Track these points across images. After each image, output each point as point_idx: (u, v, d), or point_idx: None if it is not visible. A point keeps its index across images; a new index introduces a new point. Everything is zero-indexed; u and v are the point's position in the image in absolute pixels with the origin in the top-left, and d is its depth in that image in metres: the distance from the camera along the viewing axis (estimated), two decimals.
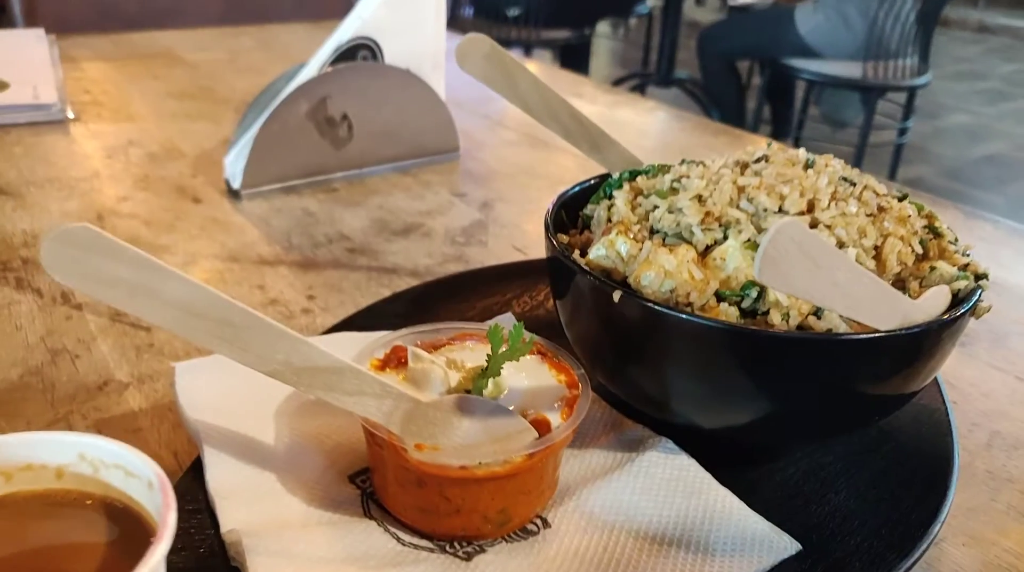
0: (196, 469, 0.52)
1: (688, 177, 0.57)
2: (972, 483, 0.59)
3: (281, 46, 1.87)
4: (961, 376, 0.72)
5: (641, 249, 0.53)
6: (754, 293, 0.50)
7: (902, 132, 3.49)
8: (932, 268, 0.53)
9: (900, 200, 0.57)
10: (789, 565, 0.48)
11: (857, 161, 3.30)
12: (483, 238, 0.95)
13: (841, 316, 0.49)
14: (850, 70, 3.24)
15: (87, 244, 0.39)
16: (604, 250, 0.54)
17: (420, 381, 0.50)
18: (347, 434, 0.55)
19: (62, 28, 1.74)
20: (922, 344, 0.49)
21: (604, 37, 6.90)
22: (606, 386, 0.58)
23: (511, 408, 0.49)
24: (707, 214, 0.53)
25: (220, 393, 0.56)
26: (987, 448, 0.62)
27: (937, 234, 0.57)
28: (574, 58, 4.02)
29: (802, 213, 0.52)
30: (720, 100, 3.79)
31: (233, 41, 1.88)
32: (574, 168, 1.17)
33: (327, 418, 0.56)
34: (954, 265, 0.54)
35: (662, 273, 0.51)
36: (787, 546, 0.49)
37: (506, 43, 2.34)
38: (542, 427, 0.48)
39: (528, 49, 3.75)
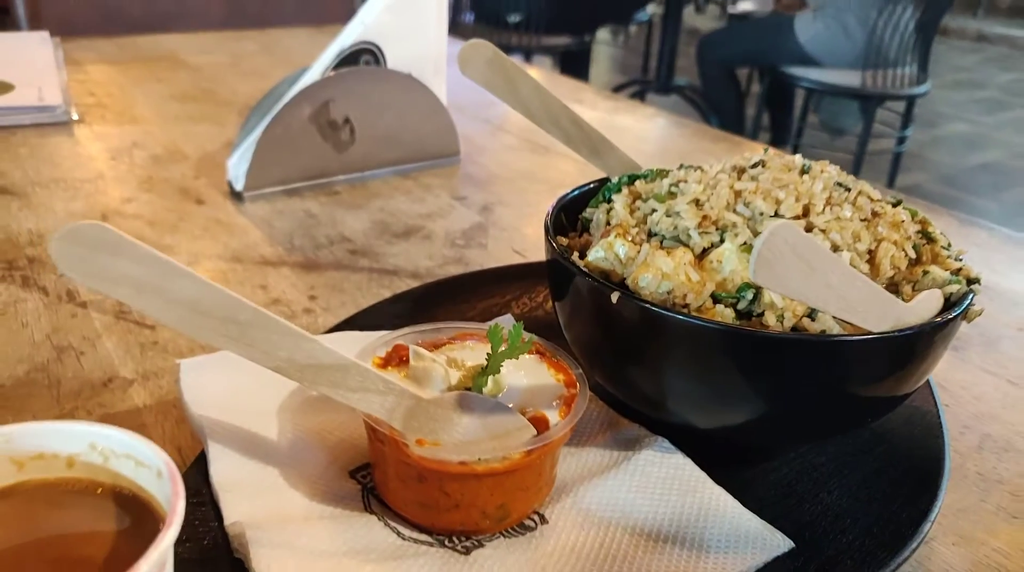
0: (200, 464, 0.53)
1: (686, 181, 0.58)
2: (963, 484, 0.60)
3: (283, 50, 1.88)
4: (953, 379, 0.73)
5: (639, 251, 0.54)
6: (750, 295, 0.51)
7: (901, 141, 3.50)
8: (925, 272, 0.54)
9: (894, 206, 0.58)
10: (782, 562, 0.49)
11: (855, 169, 3.31)
12: (483, 241, 0.96)
13: (835, 318, 0.50)
14: (849, 78, 3.26)
15: (99, 241, 0.40)
16: (603, 252, 0.55)
17: (421, 379, 0.51)
18: (348, 430, 0.56)
19: (66, 31, 1.75)
20: (914, 346, 0.50)
21: (604, 44, 6.93)
22: (604, 386, 0.59)
23: (510, 406, 0.50)
24: (704, 218, 0.54)
25: (224, 389, 0.57)
26: (978, 450, 0.63)
27: (930, 239, 0.58)
28: (574, 64, 4.03)
29: (797, 217, 0.53)
30: (719, 107, 3.80)
31: (236, 45, 1.89)
32: (574, 173, 1.18)
33: (329, 414, 0.57)
34: (947, 269, 0.55)
35: (659, 275, 0.51)
36: (780, 544, 0.50)
37: (507, 49, 2.35)
38: (540, 425, 0.49)
39: (528, 55, 3.76)
